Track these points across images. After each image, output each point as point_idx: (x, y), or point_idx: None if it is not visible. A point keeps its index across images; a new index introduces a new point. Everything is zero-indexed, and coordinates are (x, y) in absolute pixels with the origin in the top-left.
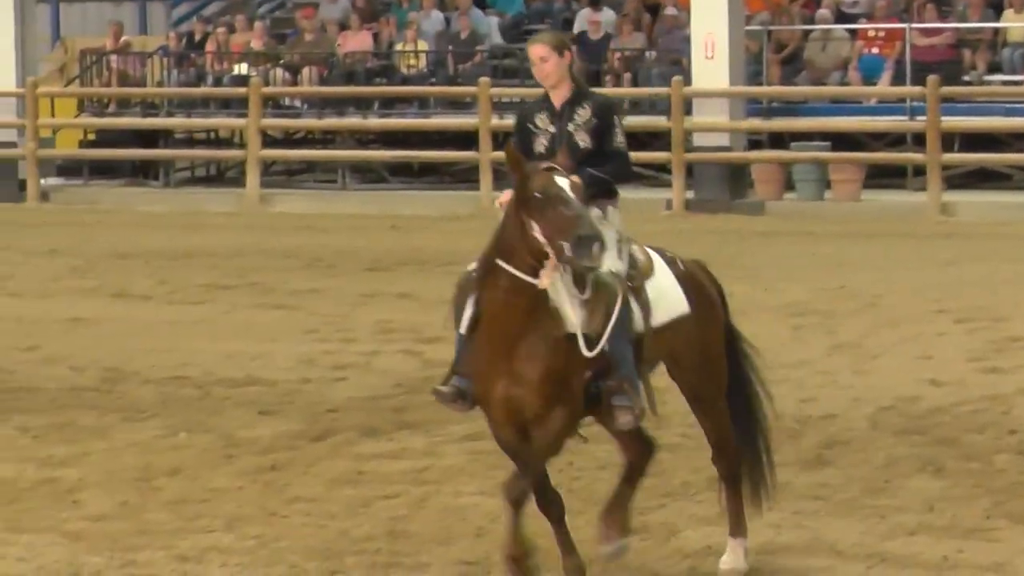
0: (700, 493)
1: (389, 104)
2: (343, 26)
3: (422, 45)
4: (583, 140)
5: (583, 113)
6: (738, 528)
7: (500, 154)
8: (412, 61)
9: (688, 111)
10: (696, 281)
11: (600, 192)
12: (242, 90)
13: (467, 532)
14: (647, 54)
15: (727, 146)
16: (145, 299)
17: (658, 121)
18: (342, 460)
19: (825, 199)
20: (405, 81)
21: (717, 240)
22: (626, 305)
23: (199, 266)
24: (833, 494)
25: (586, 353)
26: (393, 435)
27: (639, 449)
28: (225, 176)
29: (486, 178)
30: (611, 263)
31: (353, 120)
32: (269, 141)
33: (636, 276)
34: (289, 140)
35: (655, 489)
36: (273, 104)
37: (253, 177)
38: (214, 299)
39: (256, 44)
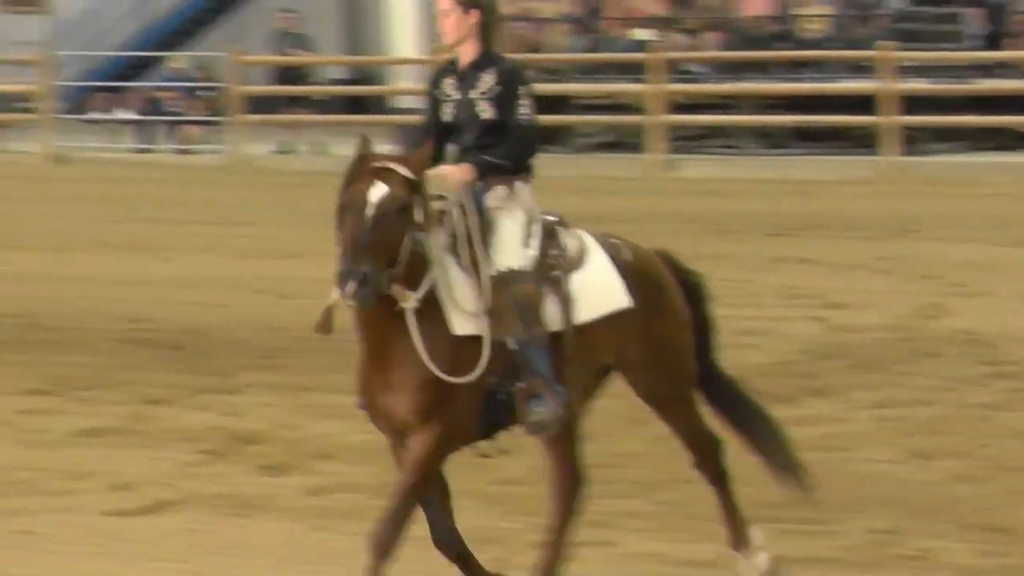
0: None
1: (789, 68)
2: None
3: (823, 9)
4: (484, 110)
5: (487, 79)
6: (739, 540)
7: (905, 119)
8: (813, 25)
9: None
10: (648, 272)
11: (507, 169)
12: (643, 55)
13: (877, 499)
14: None
15: None
16: None
17: None
18: None
19: None
20: (805, 45)
21: None
22: (536, 301)
23: (603, 230)
24: None
25: (462, 379)
26: (801, 401)
27: (566, 478)
28: (627, 142)
29: (888, 142)
30: (511, 257)
31: (753, 85)
32: (671, 106)
33: (556, 266)
34: (690, 105)
35: None
36: (674, 69)
37: (655, 142)
38: None
39: (657, 9)
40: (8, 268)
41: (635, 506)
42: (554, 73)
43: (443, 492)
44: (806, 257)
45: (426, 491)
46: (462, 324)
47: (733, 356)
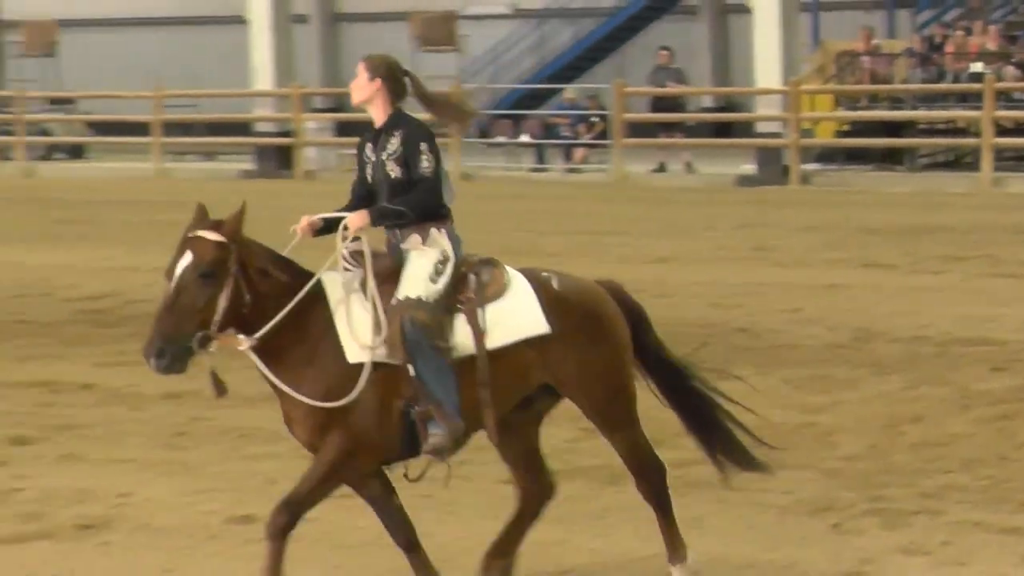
0: None
1: None
2: None
3: None
4: (393, 170)
5: (393, 142)
6: (676, 553)
7: None
8: None
9: None
10: (580, 302)
11: (424, 216)
12: (977, 86)
13: None
14: None
15: None
16: (890, 268)
17: None
18: None
19: None
20: None
21: None
22: (431, 327)
23: (938, 240)
24: None
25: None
26: None
27: (535, 489)
28: (962, 161)
29: None
30: (413, 288)
31: None
32: (1001, 130)
33: (469, 300)
34: (1020, 129)
35: None
36: (1005, 97)
37: (987, 162)
38: (951, 269)
39: (990, 45)
40: None
41: (961, 480)
42: (899, 101)
43: (387, 489)
44: None
45: (324, 497)
46: (354, 353)
47: None
